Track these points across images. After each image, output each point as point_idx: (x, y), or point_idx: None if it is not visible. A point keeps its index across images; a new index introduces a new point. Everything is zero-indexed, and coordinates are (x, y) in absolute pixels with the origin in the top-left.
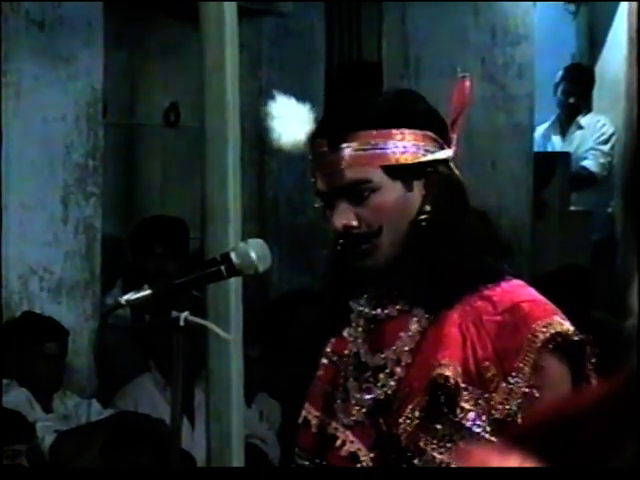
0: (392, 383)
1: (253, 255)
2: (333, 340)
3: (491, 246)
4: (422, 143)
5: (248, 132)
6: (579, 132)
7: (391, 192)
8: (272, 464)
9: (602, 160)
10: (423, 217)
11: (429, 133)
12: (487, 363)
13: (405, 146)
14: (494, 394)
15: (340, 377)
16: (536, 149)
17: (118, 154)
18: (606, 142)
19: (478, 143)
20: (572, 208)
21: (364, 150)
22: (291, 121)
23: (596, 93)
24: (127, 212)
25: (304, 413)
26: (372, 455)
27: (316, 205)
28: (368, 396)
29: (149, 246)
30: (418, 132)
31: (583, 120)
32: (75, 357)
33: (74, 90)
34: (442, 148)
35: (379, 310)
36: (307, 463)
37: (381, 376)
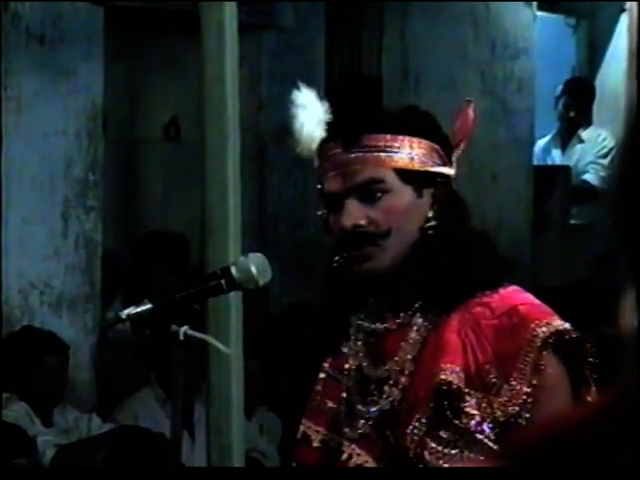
0: (397, 393)
1: (253, 269)
2: (331, 355)
3: (491, 260)
4: (431, 155)
5: (248, 146)
6: (579, 146)
7: (402, 196)
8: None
9: (603, 174)
10: (431, 224)
11: (437, 147)
12: (488, 366)
13: (417, 154)
14: (497, 397)
15: (342, 391)
16: (536, 163)
17: (118, 168)
18: (607, 155)
19: (478, 157)
20: (573, 222)
21: (378, 152)
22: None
23: (596, 107)
24: (127, 226)
25: (303, 428)
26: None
27: (319, 213)
28: (373, 408)
29: (150, 261)
30: (429, 143)
31: (584, 134)
32: (75, 371)
33: (74, 105)
34: (445, 165)
35: (379, 324)
36: None
37: (385, 388)
